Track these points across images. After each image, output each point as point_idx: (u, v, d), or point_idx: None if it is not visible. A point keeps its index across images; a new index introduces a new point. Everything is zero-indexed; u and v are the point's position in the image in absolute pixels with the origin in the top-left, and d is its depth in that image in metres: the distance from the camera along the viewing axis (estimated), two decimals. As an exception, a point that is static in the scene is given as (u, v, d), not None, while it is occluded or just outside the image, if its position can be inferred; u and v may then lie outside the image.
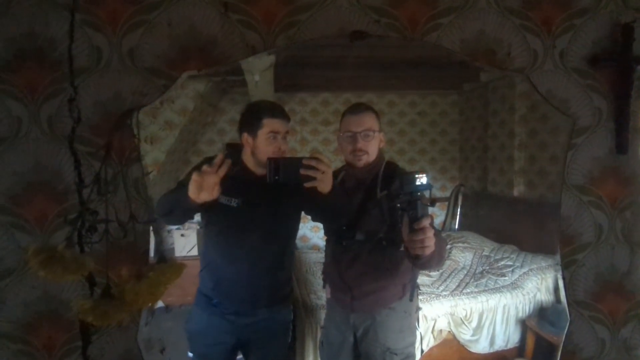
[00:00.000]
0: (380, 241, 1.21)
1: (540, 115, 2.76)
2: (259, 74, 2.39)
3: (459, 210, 3.22)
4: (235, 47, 1.22)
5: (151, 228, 1.14)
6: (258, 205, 1.23)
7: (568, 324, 1.41)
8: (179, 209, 1.10)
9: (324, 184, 1.00)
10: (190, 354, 1.38)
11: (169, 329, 2.87)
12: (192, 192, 0.99)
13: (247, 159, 1.25)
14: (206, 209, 1.17)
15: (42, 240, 1.20)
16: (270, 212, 1.25)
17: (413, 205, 0.90)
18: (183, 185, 1.08)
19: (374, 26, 1.18)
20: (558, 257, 2.25)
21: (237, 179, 1.18)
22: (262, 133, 1.18)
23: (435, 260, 1.02)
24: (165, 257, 1.03)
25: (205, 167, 0.99)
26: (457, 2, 1.27)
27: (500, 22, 1.32)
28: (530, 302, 2.06)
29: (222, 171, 0.99)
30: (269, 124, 1.18)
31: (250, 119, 1.21)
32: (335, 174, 1.32)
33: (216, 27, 1.19)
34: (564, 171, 1.41)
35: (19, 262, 1.21)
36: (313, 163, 0.98)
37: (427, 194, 1.00)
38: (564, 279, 1.43)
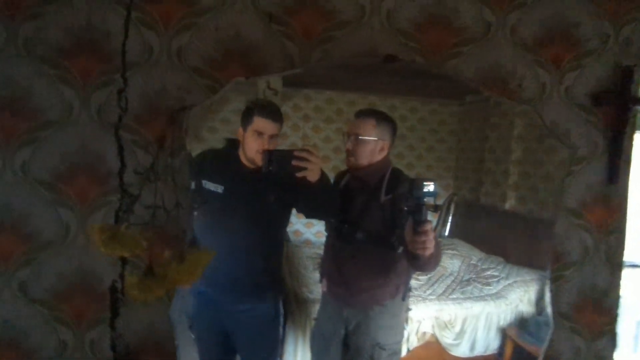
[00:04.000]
0: (380, 242, 1.27)
1: (537, 135, 2.84)
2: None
3: (450, 218, 3.24)
4: (275, 56, 1.32)
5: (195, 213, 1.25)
6: (241, 192, 1.31)
7: (551, 331, 1.54)
8: None
9: (313, 173, 1.08)
10: (192, 335, 1.43)
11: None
12: None
13: (241, 151, 1.33)
14: (194, 193, 1.29)
15: (82, 216, 1.30)
16: (251, 200, 1.32)
17: (419, 209, 0.94)
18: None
19: (401, 48, 1.30)
20: (543, 272, 2.36)
21: (228, 169, 1.34)
22: (250, 129, 1.28)
23: (433, 262, 1.08)
24: (197, 242, 1.13)
25: None
26: (477, 33, 1.38)
27: (515, 55, 1.44)
28: (512, 312, 2.10)
29: None
30: (256, 123, 1.27)
31: (246, 113, 1.30)
32: (341, 175, 1.40)
33: (259, 35, 1.29)
34: (561, 196, 1.54)
35: (58, 235, 1.31)
36: (304, 154, 1.06)
37: (431, 200, 1.07)
38: (551, 291, 1.56)
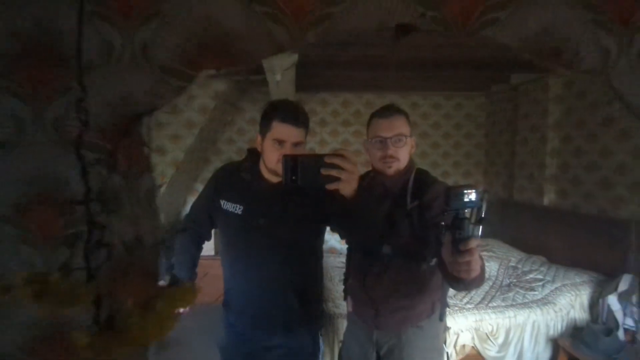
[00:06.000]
0: (409, 255, 1.11)
1: (576, 120, 2.58)
2: (280, 73, 2.26)
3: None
4: (261, 43, 1.08)
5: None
6: (262, 212, 1.12)
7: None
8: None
9: (349, 186, 0.85)
10: None
11: (188, 328, 2.68)
12: None
13: (262, 164, 1.14)
14: (211, 215, 1.19)
15: (47, 255, 1.09)
16: (275, 220, 1.12)
17: (460, 224, 0.77)
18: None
19: (419, 20, 1.02)
20: (595, 274, 2.10)
21: (247, 185, 1.13)
22: (269, 137, 1.06)
23: (478, 281, 0.91)
24: (177, 277, 0.89)
25: None
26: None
27: (568, 16, 1.14)
28: (562, 320, 1.95)
29: None
30: (276, 130, 1.05)
31: (264, 117, 1.09)
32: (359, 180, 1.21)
33: (239, 20, 1.05)
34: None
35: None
36: (337, 161, 0.82)
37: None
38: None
